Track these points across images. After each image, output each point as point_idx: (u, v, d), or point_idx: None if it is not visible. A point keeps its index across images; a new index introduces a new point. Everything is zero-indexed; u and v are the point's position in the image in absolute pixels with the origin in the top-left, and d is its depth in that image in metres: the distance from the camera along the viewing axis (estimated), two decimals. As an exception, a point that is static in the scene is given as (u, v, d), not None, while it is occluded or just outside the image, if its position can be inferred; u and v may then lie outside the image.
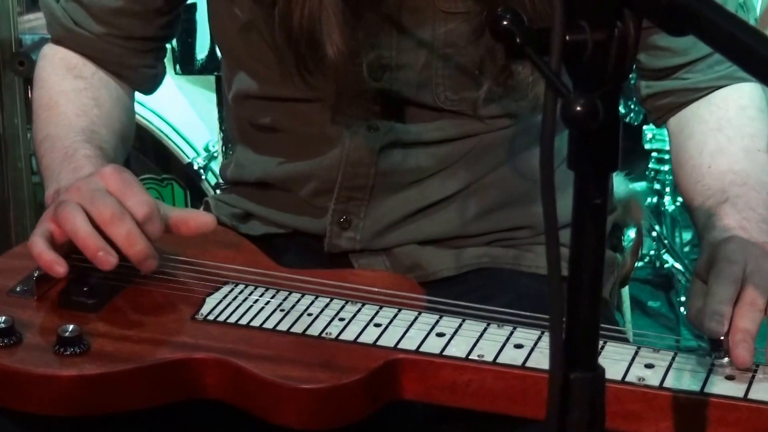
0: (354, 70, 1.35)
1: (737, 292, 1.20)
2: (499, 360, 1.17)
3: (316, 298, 1.27)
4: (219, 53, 1.83)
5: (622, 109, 3.06)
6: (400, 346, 1.20)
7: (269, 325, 1.23)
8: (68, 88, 1.49)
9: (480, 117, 1.40)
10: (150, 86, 1.59)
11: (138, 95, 1.61)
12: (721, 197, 1.37)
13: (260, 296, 1.28)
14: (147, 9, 1.50)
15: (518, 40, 0.82)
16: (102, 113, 1.48)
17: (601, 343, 1.13)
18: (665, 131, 1.53)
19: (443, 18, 1.37)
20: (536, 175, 1.43)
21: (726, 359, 1.16)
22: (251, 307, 1.26)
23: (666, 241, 3.14)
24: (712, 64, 1.45)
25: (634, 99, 2.93)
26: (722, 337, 1.17)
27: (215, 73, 2.59)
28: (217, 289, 1.30)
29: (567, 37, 0.81)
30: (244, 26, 1.41)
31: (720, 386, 1.13)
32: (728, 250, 1.24)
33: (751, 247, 1.24)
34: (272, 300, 1.27)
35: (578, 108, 0.79)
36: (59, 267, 1.23)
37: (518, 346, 1.19)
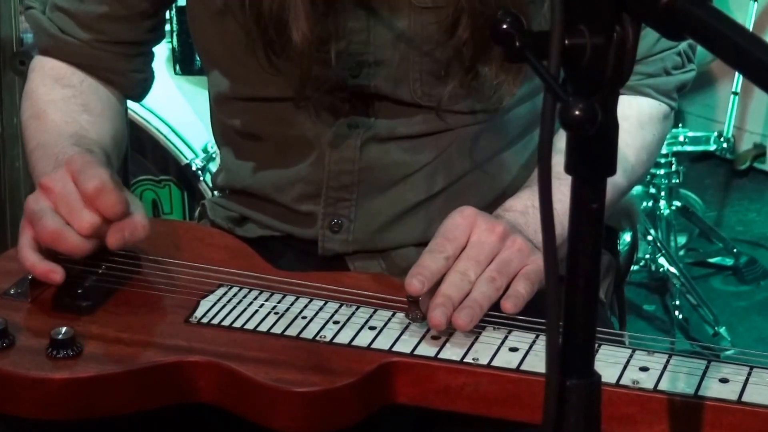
0: (321, 57, 1.35)
1: (446, 264, 1.22)
2: (494, 363, 1.17)
3: (310, 301, 1.27)
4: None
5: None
6: (394, 349, 1.19)
7: (263, 328, 1.23)
8: (57, 96, 1.49)
9: (446, 112, 1.40)
10: (139, 92, 1.58)
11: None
12: (531, 181, 1.39)
13: (254, 299, 1.28)
14: (132, 12, 1.49)
15: (517, 43, 0.82)
16: (91, 118, 1.47)
17: (595, 346, 1.13)
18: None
19: (418, 12, 1.37)
20: (524, 168, 1.46)
21: (423, 321, 1.20)
22: (245, 310, 1.26)
23: (661, 245, 3.14)
24: None
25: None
26: (420, 298, 1.21)
27: (215, 74, 2.58)
28: (212, 291, 1.29)
29: (566, 41, 0.81)
30: (219, 12, 1.40)
31: (714, 389, 1.13)
32: (453, 224, 1.26)
33: (482, 222, 1.26)
34: (266, 303, 1.27)
35: (577, 112, 0.79)
36: (55, 275, 1.25)
37: (513, 350, 1.19)
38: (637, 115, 1.47)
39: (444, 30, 1.35)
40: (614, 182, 1.42)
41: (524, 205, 1.35)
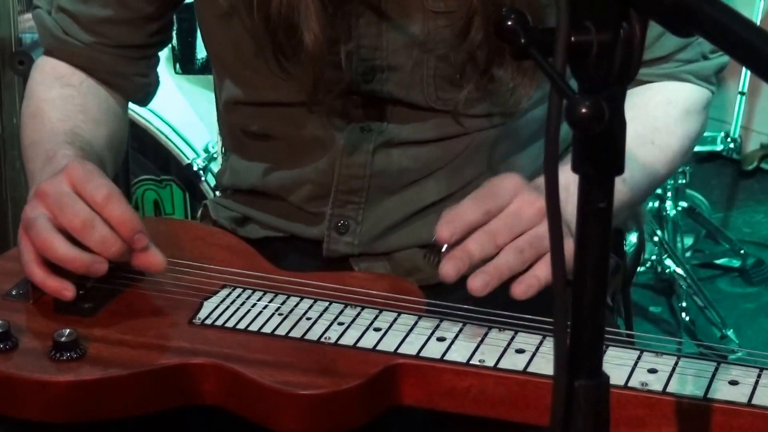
0: (332, 59, 1.34)
1: (482, 218, 1.21)
2: (501, 365, 1.16)
3: (314, 302, 1.26)
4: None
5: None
6: (400, 350, 1.18)
7: (267, 329, 1.22)
8: (55, 95, 1.48)
9: (462, 116, 1.39)
10: (143, 96, 1.57)
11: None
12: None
13: (258, 300, 1.27)
14: (136, 16, 1.48)
15: (523, 40, 0.81)
16: (87, 118, 1.46)
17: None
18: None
19: (431, 16, 1.36)
20: (533, 172, 1.45)
21: (437, 268, 1.20)
22: (249, 311, 1.25)
23: (667, 246, 3.13)
24: (662, 63, 1.45)
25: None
26: (444, 247, 1.20)
27: (215, 73, 2.58)
28: (215, 293, 1.28)
29: (572, 38, 0.80)
30: (225, 15, 1.39)
31: (724, 392, 1.12)
32: (500, 185, 1.24)
33: (527, 192, 1.23)
34: (270, 304, 1.26)
35: (584, 110, 0.78)
36: (67, 292, 1.24)
37: (519, 351, 1.18)
38: (683, 102, 1.46)
39: (457, 34, 1.34)
40: (653, 171, 1.40)
41: (567, 180, 1.32)
